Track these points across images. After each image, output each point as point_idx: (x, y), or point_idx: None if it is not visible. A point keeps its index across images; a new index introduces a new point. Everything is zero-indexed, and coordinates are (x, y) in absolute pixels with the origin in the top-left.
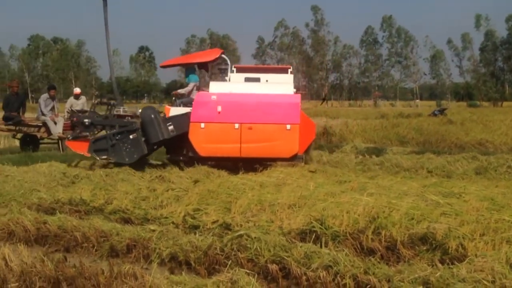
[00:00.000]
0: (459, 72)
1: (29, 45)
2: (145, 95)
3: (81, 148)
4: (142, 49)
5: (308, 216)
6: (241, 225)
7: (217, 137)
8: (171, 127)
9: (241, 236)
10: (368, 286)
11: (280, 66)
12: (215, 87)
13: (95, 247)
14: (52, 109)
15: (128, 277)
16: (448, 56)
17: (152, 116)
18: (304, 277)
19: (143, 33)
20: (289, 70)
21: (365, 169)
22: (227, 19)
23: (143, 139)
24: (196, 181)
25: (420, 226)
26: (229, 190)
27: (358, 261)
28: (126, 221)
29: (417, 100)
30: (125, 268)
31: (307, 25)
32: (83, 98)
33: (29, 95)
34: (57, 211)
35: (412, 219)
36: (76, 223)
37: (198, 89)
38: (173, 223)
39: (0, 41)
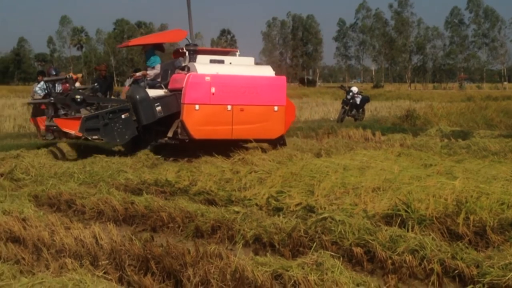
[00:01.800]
0: None
1: (114, 29)
2: None
3: (71, 126)
4: (224, 32)
5: (393, 200)
6: (324, 208)
7: (211, 119)
8: (158, 108)
9: (325, 218)
10: (456, 271)
11: (229, 49)
12: (203, 69)
13: (181, 228)
14: None
15: (213, 257)
16: None
17: (144, 95)
18: (389, 261)
19: (225, 16)
20: (237, 54)
21: (451, 152)
22: (306, 2)
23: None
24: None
25: (511, 212)
26: (312, 173)
27: (445, 246)
28: (210, 202)
29: (505, 83)
30: (210, 248)
31: (390, 6)
32: None
33: (115, 79)
34: (143, 191)
35: (503, 204)
36: (162, 204)
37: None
38: (256, 205)
39: (87, 25)
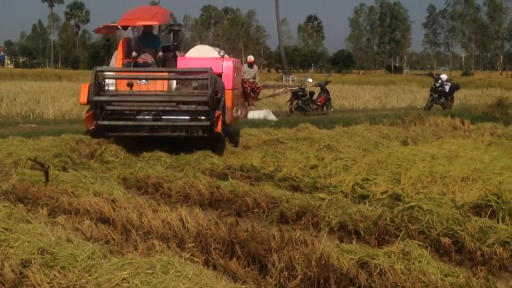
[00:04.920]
0: None
1: (201, 15)
2: (312, 64)
3: None
4: (311, 18)
5: (483, 190)
6: (411, 197)
7: (233, 104)
8: None
9: (412, 207)
10: None
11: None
12: (210, 52)
13: (265, 213)
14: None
15: (298, 244)
16: None
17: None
18: (478, 252)
19: (312, 2)
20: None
21: None
22: None
23: None
24: None
25: None
26: (398, 161)
27: None
28: (295, 188)
29: None
30: (295, 234)
31: None
32: (255, 67)
33: None
34: (229, 176)
35: None
36: (247, 189)
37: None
38: (342, 192)
39: (175, 11)
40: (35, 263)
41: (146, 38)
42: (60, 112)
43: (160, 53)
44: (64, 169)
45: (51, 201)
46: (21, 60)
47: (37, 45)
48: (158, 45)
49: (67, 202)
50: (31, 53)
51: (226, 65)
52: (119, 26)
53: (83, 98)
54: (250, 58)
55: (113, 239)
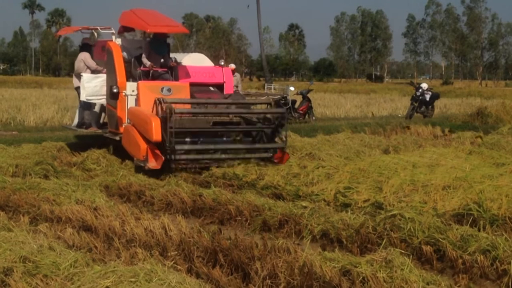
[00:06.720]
0: None
1: (183, 23)
2: (294, 73)
3: None
4: (292, 27)
5: (464, 198)
6: (393, 205)
7: None
8: None
9: (394, 216)
10: None
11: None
12: (203, 60)
13: (248, 221)
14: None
15: (281, 252)
16: None
17: None
18: (460, 260)
19: (293, 11)
20: None
21: None
22: None
23: None
24: None
25: None
26: (380, 169)
27: None
28: (278, 196)
29: None
30: (278, 242)
31: (462, 1)
32: (237, 75)
33: None
34: (211, 184)
35: None
36: (229, 197)
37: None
38: (324, 200)
39: None
40: (17, 271)
41: (156, 45)
42: (41, 120)
43: (174, 62)
44: (46, 176)
45: (33, 209)
46: (1, 67)
47: (18, 52)
48: (165, 53)
49: (49, 210)
50: (12, 60)
51: (227, 74)
52: (98, 28)
53: (157, 135)
54: (232, 66)
55: (96, 247)
